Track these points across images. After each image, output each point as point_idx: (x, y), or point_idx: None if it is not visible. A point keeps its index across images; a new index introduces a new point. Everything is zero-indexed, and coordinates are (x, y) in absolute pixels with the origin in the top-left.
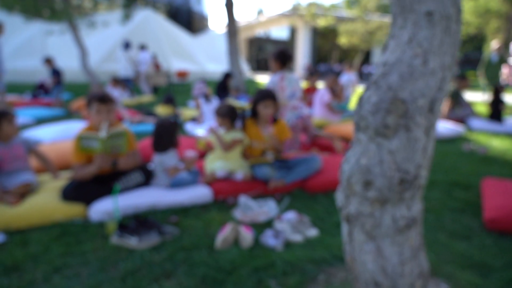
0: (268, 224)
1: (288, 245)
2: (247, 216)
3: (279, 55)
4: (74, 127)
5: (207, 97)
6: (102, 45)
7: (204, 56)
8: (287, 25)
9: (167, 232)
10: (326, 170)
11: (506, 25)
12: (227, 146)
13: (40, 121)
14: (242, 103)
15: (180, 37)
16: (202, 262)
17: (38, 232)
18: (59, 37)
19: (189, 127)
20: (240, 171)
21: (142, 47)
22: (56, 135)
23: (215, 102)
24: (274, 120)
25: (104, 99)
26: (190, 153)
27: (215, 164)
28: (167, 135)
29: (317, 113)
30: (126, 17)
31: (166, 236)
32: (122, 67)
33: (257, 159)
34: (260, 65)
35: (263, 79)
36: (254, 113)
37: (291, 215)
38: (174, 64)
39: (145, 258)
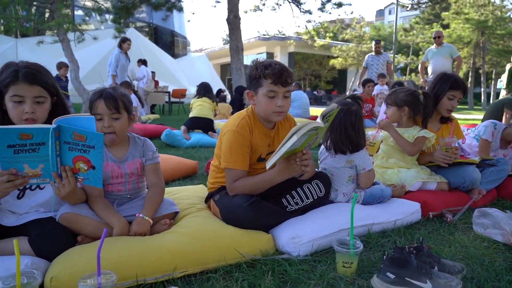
0: None
1: None
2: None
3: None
4: None
5: None
6: (90, 61)
7: (184, 78)
8: (263, 50)
9: (455, 269)
10: None
11: (475, 52)
12: (414, 148)
13: None
14: None
15: (163, 57)
16: None
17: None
18: (33, 51)
19: None
20: (429, 178)
21: (142, 62)
22: None
23: None
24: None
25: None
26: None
27: (404, 172)
28: (353, 126)
29: None
30: (120, 31)
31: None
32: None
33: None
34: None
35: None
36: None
37: None
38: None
39: None
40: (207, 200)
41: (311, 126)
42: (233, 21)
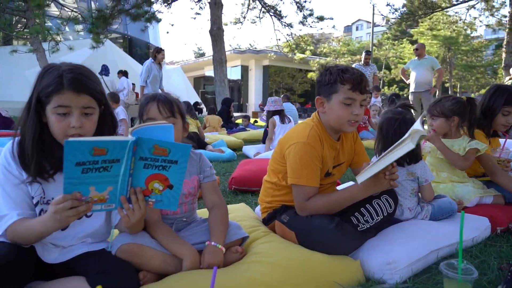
0: None
1: None
2: None
3: None
4: None
5: (282, 116)
6: None
7: (158, 90)
8: (238, 63)
9: None
10: None
11: (442, 67)
12: (466, 162)
13: None
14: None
15: (139, 69)
16: None
17: None
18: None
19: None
20: (486, 192)
21: (123, 73)
22: None
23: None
24: None
25: None
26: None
27: (460, 187)
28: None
29: None
30: (98, 42)
31: None
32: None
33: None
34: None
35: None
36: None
37: None
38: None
39: None
40: (268, 221)
41: (420, 134)
42: (216, 33)
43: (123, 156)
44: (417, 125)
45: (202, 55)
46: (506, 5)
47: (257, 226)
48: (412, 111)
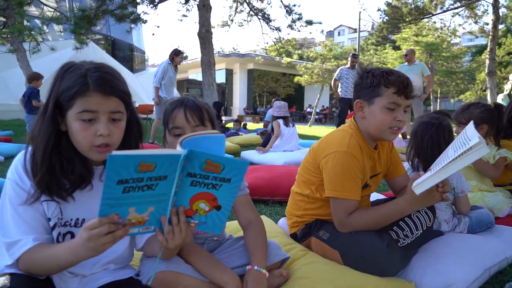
0: None
1: None
2: None
3: None
4: None
5: (286, 121)
6: (45, 72)
7: (144, 94)
8: (223, 67)
9: None
10: None
11: None
12: (497, 171)
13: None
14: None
15: (122, 72)
16: None
17: None
18: None
19: (247, 155)
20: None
21: None
22: None
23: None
24: None
25: None
26: None
27: (491, 197)
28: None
29: None
30: (82, 42)
31: None
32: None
33: None
34: None
35: None
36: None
37: None
38: None
39: None
40: (303, 238)
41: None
42: (205, 35)
43: (172, 173)
44: (473, 131)
45: (185, 58)
46: (488, 13)
47: (291, 244)
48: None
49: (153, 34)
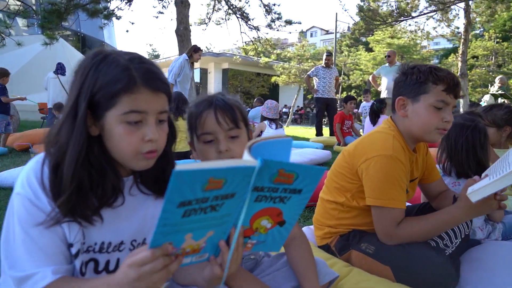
0: None
1: None
2: None
3: None
4: None
5: (276, 123)
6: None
7: None
8: (197, 66)
9: None
10: None
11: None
12: None
13: None
14: None
15: None
16: None
17: None
18: None
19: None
20: None
21: None
22: None
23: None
24: None
25: None
26: None
27: None
28: (482, 146)
29: None
30: (51, 38)
31: None
32: (52, 95)
33: None
34: None
35: None
36: None
37: None
38: None
39: None
40: (342, 251)
41: None
42: (183, 33)
43: (242, 189)
44: None
45: (157, 56)
46: (459, 17)
47: (330, 258)
48: None
49: (127, 31)
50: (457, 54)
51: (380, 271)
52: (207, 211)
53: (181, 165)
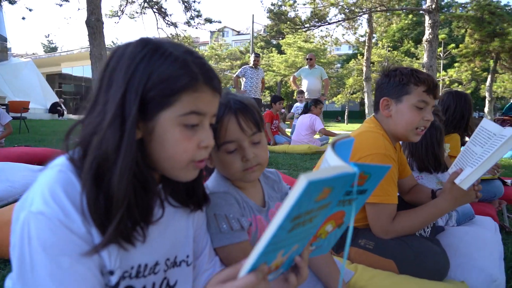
0: None
1: None
2: None
3: None
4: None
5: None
6: None
7: (7, 87)
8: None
9: None
10: None
11: None
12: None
13: None
14: None
15: None
16: None
17: None
18: None
19: None
20: None
21: None
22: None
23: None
24: None
25: None
26: None
27: None
28: (439, 144)
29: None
30: None
31: None
32: None
33: None
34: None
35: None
36: None
37: None
38: None
39: None
40: (339, 248)
41: None
42: (95, 24)
43: (335, 197)
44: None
45: (54, 49)
46: (362, 26)
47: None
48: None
49: (23, 18)
50: (357, 60)
51: (383, 265)
52: (306, 223)
53: (309, 174)
